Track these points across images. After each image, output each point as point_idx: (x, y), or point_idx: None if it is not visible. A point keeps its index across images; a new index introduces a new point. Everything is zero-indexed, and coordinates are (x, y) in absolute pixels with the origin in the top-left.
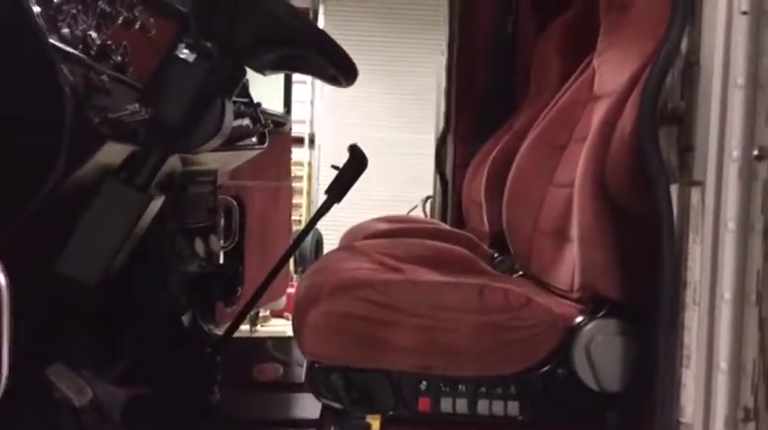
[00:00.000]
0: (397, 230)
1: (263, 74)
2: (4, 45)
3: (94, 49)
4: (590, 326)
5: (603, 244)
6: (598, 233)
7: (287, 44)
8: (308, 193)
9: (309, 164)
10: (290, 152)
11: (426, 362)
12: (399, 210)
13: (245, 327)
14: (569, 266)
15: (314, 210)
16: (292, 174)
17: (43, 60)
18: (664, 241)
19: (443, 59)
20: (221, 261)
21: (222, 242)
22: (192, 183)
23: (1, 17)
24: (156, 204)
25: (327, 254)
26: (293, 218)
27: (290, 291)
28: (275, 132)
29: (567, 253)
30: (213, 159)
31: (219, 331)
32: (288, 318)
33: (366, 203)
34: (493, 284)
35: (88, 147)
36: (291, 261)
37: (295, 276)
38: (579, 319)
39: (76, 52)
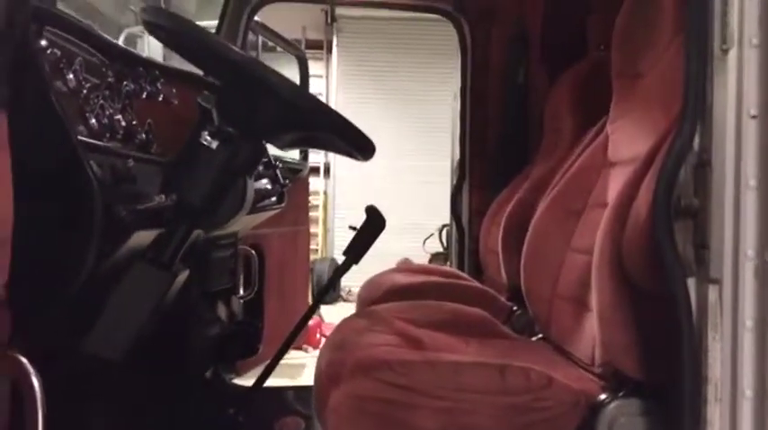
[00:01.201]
0: (415, 287)
1: (282, 150)
2: (34, 148)
3: (121, 133)
4: (613, 405)
5: (623, 323)
6: (617, 313)
7: (304, 127)
8: (324, 222)
9: (325, 193)
10: (307, 196)
11: None
12: (416, 237)
13: None
14: (590, 337)
15: (330, 239)
16: (309, 204)
17: (73, 162)
18: (683, 336)
19: (456, 104)
20: (241, 313)
21: (242, 292)
22: (214, 249)
23: (31, 121)
24: (182, 278)
25: (346, 320)
26: (311, 247)
27: (309, 323)
28: (292, 179)
29: (587, 322)
30: (234, 224)
31: (241, 380)
32: (306, 350)
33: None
34: (514, 364)
35: (116, 239)
36: (309, 290)
37: None
38: (602, 397)
39: (104, 143)
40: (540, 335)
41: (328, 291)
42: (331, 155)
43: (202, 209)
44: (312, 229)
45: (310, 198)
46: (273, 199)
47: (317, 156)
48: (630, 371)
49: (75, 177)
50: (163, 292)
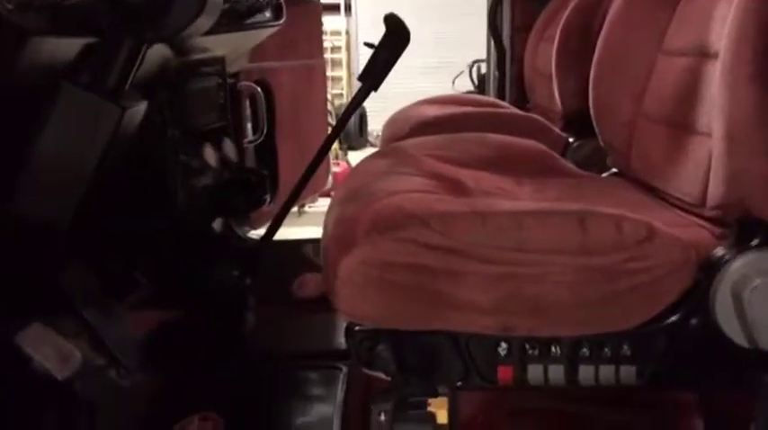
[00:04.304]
0: (449, 118)
1: None
2: None
3: None
4: (740, 261)
5: (766, 148)
6: (759, 131)
7: None
8: (348, 65)
9: (347, 32)
10: (320, 26)
11: (506, 322)
12: (445, 76)
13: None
14: (697, 170)
15: (355, 82)
16: (330, 45)
17: None
18: None
19: None
20: (252, 157)
21: (251, 136)
22: (193, 78)
23: None
24: (138, 111)
25: (361, 163)
26: (335, 92)
27: (336, 170)
28: (302, 2)
29: (691, 150)
30: (217, 44)
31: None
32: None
33: (408, 70)
34: (598, 211)
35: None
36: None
37: (340, 153)
38: (722, 252)
39: None
40: (614, 170)
41: (343, 126)
42: None
43: (144, 7)
44: (336, 73)
45: (331, 38)
46: (268, 14)
47: None
48: None
49: None
50: (112, 128)
